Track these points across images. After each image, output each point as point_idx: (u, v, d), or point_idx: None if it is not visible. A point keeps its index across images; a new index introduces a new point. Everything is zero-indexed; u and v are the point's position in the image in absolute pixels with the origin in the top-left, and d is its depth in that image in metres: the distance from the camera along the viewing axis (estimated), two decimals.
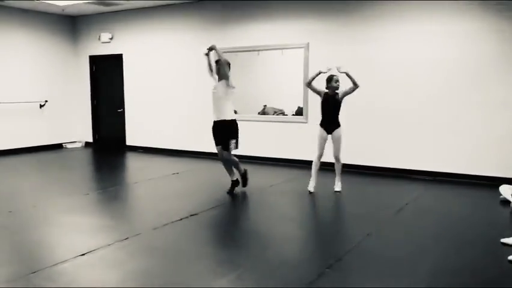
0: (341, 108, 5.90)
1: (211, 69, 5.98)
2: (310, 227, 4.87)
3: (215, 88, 5.80)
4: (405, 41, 6.89)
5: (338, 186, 6.11)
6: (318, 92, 5.93)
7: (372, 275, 3.50)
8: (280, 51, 8.03)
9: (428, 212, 5.20)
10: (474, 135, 6.56)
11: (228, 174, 6.03)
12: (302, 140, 7.87)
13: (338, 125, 5.90)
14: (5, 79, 9.17)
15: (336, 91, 5.83)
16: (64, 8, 8.81)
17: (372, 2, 7.06)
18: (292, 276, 3.43)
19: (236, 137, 5.81)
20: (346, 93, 5.83)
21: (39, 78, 9.83)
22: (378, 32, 7.07)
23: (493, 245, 4.09)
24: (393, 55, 7.00)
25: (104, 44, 10.03)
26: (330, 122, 5.90)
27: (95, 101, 10.54)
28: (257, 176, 6.84)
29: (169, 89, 9.35)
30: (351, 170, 7.15)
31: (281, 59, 8.38)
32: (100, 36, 10.00)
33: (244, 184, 6.11)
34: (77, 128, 10.67)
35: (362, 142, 7.29)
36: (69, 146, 10.45)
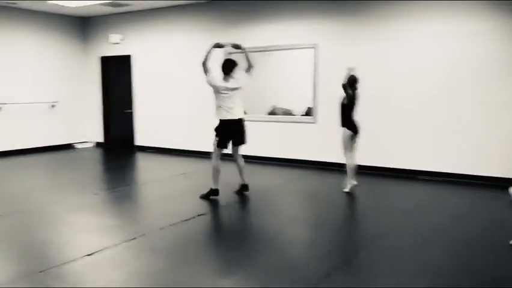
0: (345, 108, 5.88)
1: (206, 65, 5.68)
2: (317, 227, 4.85)
3: (227, 85, 5.58)
4: (414, 41, 6.83)
5: (348, 187, 6.08)
6: (347, 93, 5.91)
7: (380, 276, 3.48)
8: (289, 51, 8.02)
9: (435, 213, 5.16)
10: (475, 135, 6.52)
11: (239, 175, 5.95)
12: (310, 141, 7.86)
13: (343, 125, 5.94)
14: (16, 80, 9.27)
15: (356, 92, 5.86)
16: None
17: (381, 2, 7.02)
18: (299, 277, 3.42)
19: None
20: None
21: (50, 78, 9.93)
22: (387, 32, 7.03)
23: (503, 246, 4.04)
24: (403, 55, 6.94)
25: (114, 45, 10.10)
26: (354, 123, 5.91)
27: (105, 102, 10.60)
28: (265, 176, 6.84)
29: (178, 90, 9.38)
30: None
31: (291, 60, 8.37)
32: (110, 37, 10.07)
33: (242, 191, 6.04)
34: (87, 128, 10.75)
35: (367, 142, 7.24)
36: (79, 146, 10.54)
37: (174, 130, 9.53)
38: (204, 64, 5.66)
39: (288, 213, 5.37)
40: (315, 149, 7.85)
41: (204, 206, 5.39)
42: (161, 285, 3.30)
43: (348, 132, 5.86)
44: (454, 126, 6.66)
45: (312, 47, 7.70)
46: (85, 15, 10.12)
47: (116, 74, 10.39)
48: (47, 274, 3.45)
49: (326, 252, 4.01)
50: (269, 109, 8.62)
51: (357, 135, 5.92)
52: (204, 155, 8.98)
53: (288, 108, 8.51)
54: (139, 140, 10.12)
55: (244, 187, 5.98)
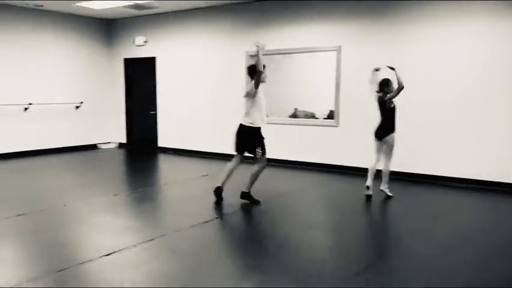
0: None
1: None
2: (336, 232, 4.75)
3: (260, 93, 5.43)
4: (440, 44, 6.65)
5: (386, 190, 5.97)
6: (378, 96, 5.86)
7: (401, 284, 3.37)
8: (312, 54, 7.94)
9: (461, 221, 4.99)
10: (504, 141, 6.31)
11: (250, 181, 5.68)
12: (333, 144, 7.74)
13: (393, 130, 5.79)
14: (42, 81, 9.44)
15: (388, 95, 5.74)
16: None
17: (406, 3, 6.87)
18: (317, 283, 3.34)
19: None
20: (392, 96, 5.70)
21: (75, 80, 10.08)
22: (412, 34, 6.87)
23: None
24: (429, 57, 6.77)
25: (138, 47, 10.20)
26: (387, 126, 5.78)
27: (129, 103, 10.71)
28: (285, 180, 6.76)
29: (201, 92, 9.40)
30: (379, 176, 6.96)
31: (313, 62, 8.28)
32: (134, 40, 10.17)
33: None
34: (111, 129, 10.88)
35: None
36: (103, 146, 10.66)
37: (197, 132, 9.54)
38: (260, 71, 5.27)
39: (308, 218, 5.28)
40: (337, 153, 7.73)
41: (222, 209, 5.35)
42: (177, 287, 3.27)
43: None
44: (482, 132, 6.46)
45: (335, 50, 7.60)
46: (110, 17, 10.26)
47: (140, 76, 10.48)
48: (65, 274, 3.46)
49: (346, 258, 3.91)
50: (291, 112, 8.54)
51: (386, 139, 5.83)
52: (225, 157, 8.96)
53: (310, 111, 8.42)
54: (162, 141, 10.17)
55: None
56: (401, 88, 5.60)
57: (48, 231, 4.55)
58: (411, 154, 6.99)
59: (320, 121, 8.10)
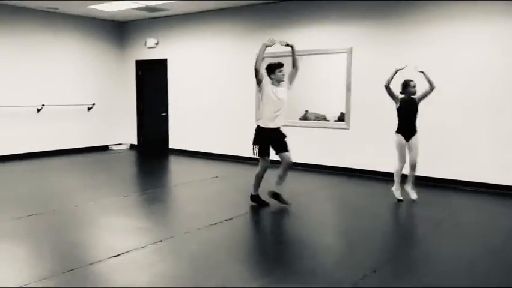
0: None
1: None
2: (345, 236, 4.72)
3: (277, 92, 5.37)
4: (454, 45, 6.58)
5: (413, 194, 5.84)
6: (394, 97, 5.75)
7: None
8: (323, 56, 7.91)
9: (475, 225, 4.93)
10: None
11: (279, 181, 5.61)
12: (343, 147, 7.70)
13: (415, 131, 5.72)
14: (55, 82, 9.55)
15: (412, 96, 5.67)
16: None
17: (419, 3, 6.81)
18: (324, 286, 3.32)
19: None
20: (423, 97, 5.66)
21: (87, 81, 10.17)
22: (424, 36, 6.80)
23: None
24: (442, 59, 6.69)
25: (150, 49, 10.26)
26: (408, 128, 5.71)
27: (140, 105, 10.79)
28: (295, 183, 6.74)
29: (212, 94, 9.42)
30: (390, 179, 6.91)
31: (324, 64, 8.24)
32: (146, 42, 10.24)
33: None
34: (122, 130, 10.95)
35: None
36: (115, 148, 10.74)
37: (208, 134, 9.56)
38: (257, 70, 5.36)
39: (318, 221, 5.26)
40: (348, 155, 7.69)
41: (232, 211, 5.34)
42: None
43: (401, 138, 5.75)
44: (496, 135, 6.38)
45: (346, 52, 7.57)
46: (122, 19, 10.34)
47: (151, 78, 10.55)
48: (74, 274, 3.48)
49: (354, 262, 3.88)
50: (301, 114, 8.51)
51: (410, 141, 5.77)
52: (236, 159, 8.98)
53: (321, 113, 8.38)
54: (173, 142, 10.21)
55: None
56: (433, 88, 5.58)
57: (59, 232, 4.60)
58: (432, 158, 6.88)
59: (331, 123, 8.06)
